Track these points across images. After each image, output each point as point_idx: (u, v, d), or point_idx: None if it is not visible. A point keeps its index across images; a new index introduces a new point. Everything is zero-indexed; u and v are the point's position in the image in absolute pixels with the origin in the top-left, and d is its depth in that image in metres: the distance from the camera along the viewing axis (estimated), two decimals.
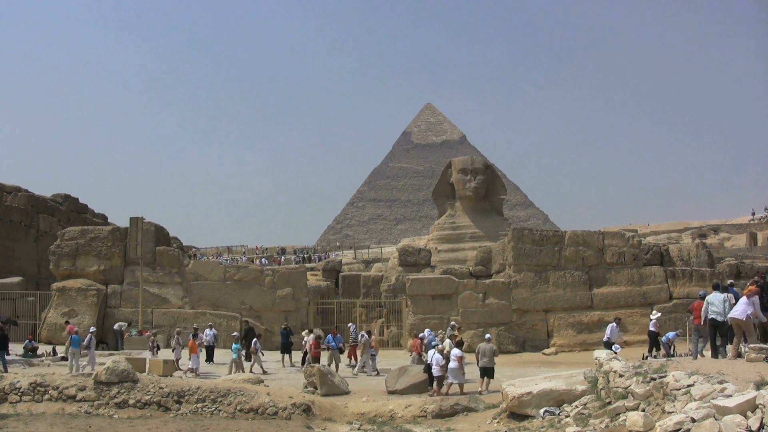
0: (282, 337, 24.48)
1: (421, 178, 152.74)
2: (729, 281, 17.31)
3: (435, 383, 17.87)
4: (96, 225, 40.48)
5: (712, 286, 14.19)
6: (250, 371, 21.77)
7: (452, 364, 18.04)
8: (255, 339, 22.90)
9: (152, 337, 23.89)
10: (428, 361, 18.68)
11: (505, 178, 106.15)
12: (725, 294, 13.61)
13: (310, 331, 23.98)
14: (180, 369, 22.06)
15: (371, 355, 22.56)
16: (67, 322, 26.10)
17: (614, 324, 21.25)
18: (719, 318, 13.25)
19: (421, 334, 23.09)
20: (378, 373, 22.23)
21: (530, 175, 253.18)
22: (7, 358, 21.46)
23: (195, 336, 22.37)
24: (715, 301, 13.42)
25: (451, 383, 18.02)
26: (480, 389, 18.10)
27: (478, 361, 18.75)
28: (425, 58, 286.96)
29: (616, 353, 19.30)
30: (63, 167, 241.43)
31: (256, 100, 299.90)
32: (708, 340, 14.38)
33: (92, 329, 23.76)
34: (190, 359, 21.62)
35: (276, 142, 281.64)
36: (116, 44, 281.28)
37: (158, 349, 23.42)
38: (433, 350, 18.85)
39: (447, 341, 19.84)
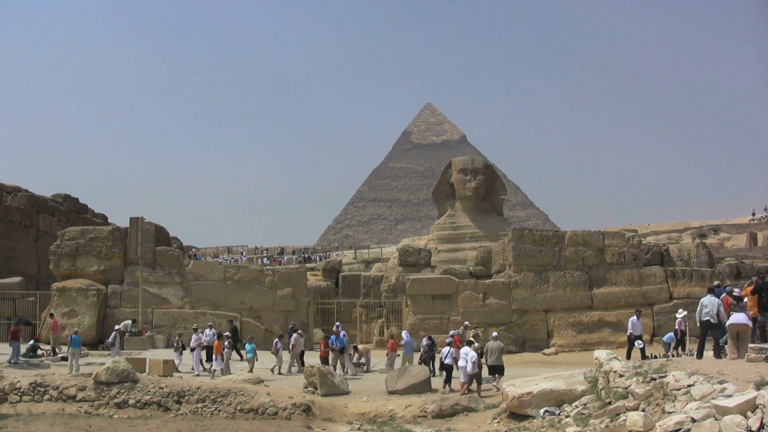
0: (289, 336, 24.47)
1: (421, 178, 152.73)
2: (716, 282, 17.68)
3: (467, 380, 18.08)
4: (96, 225, 40.44)
5: (707, 290, 14.58)
6: (279, 372, 21.98)
7: (462, 363, 18.29)
8: (276, 339, 22.78)
9: (177, 338, 23.69)
10: (443, 359, 19.08)
11: (505, 178, 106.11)
12: (718, 298, 14.08)
13: (295, 330, 24.02)
14: (179, 371, 22.08)
15: (348, 354, 22.67)
16: (51, 315, 25.91)
17: (635, 317, 21.04)
18: (713, 320, 13.72)
19: (404, 333, 23.20)
20: (355, 373, 22.35)
21: (530, 175, 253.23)
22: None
23: (220, 336, 22.58)
24: (708, 304, 13.88)
25: (463, 381, 18.29)
26: (493, 385, 18.38)
27: (486, 360, 19.03)
28: (425, 58, 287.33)
29: (640, 349, 19.42)
30: (63, 167, 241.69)
31: (256, 100, 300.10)
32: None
33: (117, 327, 24.52)
34: (213, 360, 21.99)
35: (276, 142, 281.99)
36: (116, 44, 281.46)
37: (183, 349, 23.15)
38: (448, 347, 19.25)
39: (473, 343, 20.00)
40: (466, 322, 25.08)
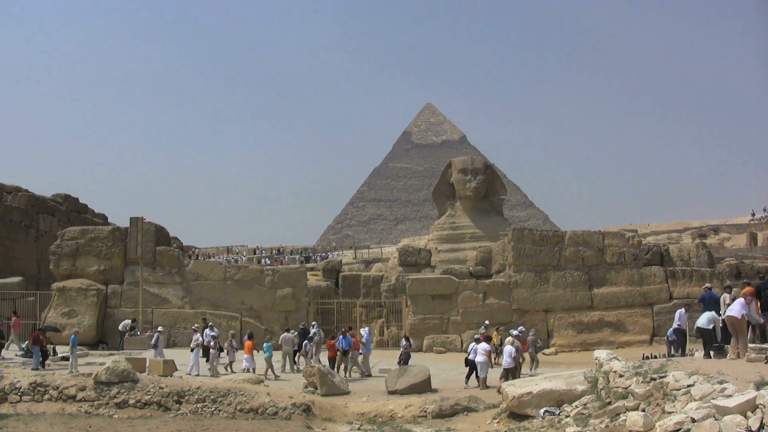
0: (300, 337, 24.53)
1: (421, 178, 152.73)
2: (707, 285, 18.03)
3: (502, 374, 18.76)
4: (96, 225, 40.43)
5: (706, 311, 15.35)
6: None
7: (480, 358, 18.86)
8: (306, 341, 22.63)
9: (212, 340, 23.30)
10: (469, 356, 19.60)
11: (505, 178, 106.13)
12: (713, 299, 15.38)
13: (287, 330, 24.00)
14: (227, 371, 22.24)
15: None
16: (14, 312, 25.50)
17: (683, 310, 20.94)
18: (703, 328, 14.62)
19: (363, 331, 23.64)
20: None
21: (530, 175, 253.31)
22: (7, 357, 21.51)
23: (251, 337, 22.72)
24: (705, 317, 14.86)
25: (480, 376, 18.92)
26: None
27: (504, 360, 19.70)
28: (425, 58, 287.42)
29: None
30: (63, 167, 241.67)
31: (256, 100, 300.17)
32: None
33: (160, 328, 24.41)
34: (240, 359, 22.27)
35: (276, 142, 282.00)
36: (116, 44, 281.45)
37: (220, 350, 22.76)
38: (473, 344, 19.70)
39: (509, 338, 20.57)
40: (487, 321, 25.49)
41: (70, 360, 21.15)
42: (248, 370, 21.49)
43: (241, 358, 22.37)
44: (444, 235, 39.90)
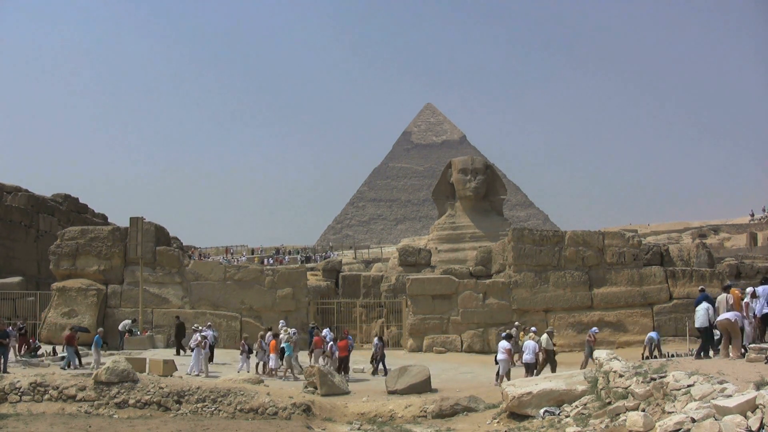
0: (309, 336, 24.53)
1: (421, 178, 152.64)
2: (701, 287, 18.14)
3: (525, 370, 18.99)
4: (96, 225, 40.43)
5: (701, 298, 15.39)
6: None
7: (501, 356, 18.93)
8: (331, 343, 22.45)
9: (242, 342, 22.73)
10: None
11: (505, 178, 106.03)
12: (708, 305, 14.97)
13: (269, 329, 23.72)
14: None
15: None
16: None
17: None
18: (702, 326, 14.73)
19: (325, 330, 24.08)
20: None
21: (530, 175, 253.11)
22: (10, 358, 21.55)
23: (276, 336, 22.72)
24: (699, 310, 14.88)
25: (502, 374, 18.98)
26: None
27: (521, 358, 20.25)
28: (425, 58, 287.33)
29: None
30: (63, 167, 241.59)
31: (256, 100, 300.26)
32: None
33: (198, 328, 23.33)
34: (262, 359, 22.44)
35: (276, 142, 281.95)
36: (116, 44, 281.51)
37: (249, 353, 22.37)
38: (502, 341, 19.74)
39: (545, 336, 20.72)
40: (516, 322, 25.55)
41: (95, 358, 21.57)
42: (273, 370, 21.79)
43: (277, 357, 22.35)
44: (444, 235, 39.92)
